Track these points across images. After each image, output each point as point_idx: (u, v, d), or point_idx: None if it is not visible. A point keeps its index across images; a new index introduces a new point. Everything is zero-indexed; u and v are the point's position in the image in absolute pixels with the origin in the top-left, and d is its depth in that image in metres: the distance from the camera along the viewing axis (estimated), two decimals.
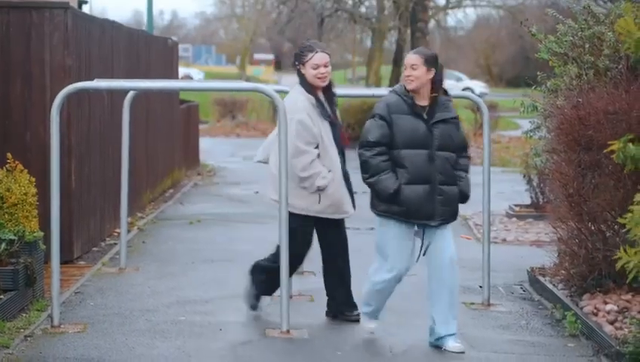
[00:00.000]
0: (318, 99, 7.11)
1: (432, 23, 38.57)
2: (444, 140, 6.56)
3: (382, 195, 6.56)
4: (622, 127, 7.18)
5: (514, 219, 12.72)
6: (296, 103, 7.06)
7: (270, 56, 68.13)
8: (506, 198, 14.25)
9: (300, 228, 7.13)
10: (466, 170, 6.69)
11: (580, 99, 7.72)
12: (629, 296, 7.58)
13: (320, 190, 7.02)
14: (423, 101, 6.61)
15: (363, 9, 34.92)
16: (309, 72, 7.12)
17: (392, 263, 6.69)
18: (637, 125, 7.16)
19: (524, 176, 12.80)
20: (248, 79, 46.85)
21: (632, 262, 5.58)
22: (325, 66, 7.11)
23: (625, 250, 5.68)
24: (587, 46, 8.33)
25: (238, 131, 29.28)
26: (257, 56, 69.50)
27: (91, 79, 9.21)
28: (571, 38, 8.44)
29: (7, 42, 9.32)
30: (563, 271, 8.25)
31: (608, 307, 7.44)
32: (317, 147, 7.04)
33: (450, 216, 6.64)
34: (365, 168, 6.59)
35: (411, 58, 6.61)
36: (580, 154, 7.66)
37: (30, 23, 9.32)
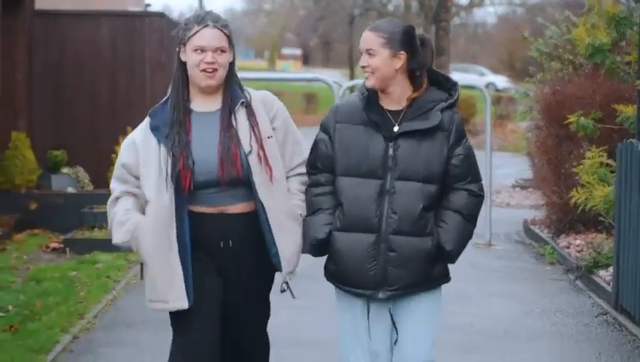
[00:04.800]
0: (183, 109, 4.08)
1: (456, 21, 41.06)
2: (409, 164, 4.04)
3: (308, 246, 4.18)
4: (588, 108, 9.66)
5: (517, 189, 15.28)
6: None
7: (297, 51, 69.73)
8: (514, 176, 16.79)
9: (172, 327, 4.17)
10: (463, 213, 4.12)
11: (559, 88, 10.24)
12: (594, 234, 10.10)
13: (124, 248, 4.17)
14: (394, 104, 4.11)
15: (390, 7, 37.43)
16: (189, 59, 4.05)
17: (343, 357, 4.26)
18: (599, 106, 9.64)
19: (528, 154, 15.29)
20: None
21: (580, 198, 8.11)
22: (219, 51, 4.06)
23: (577, 191, 8.21)
24: (567, 47, 10.84)
25: None
26: (285, 50, 71.15)
27: None
28: (555, 41, 10.96)
29: (115, 43, 11.92)
30: (547, 220, 10.80)
31: (577, 242, 9.97)
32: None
33: (412, 283, 4.09)
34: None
35: (366, 38, 4.09)
36: (557, 129, 10.17)
37: (133, 28, 11.92)
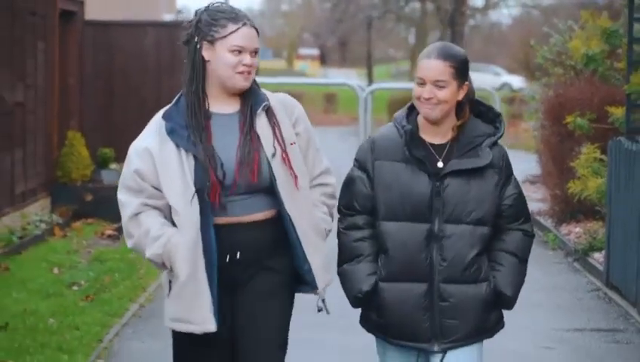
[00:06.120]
0: (204, 112, 3.76)
1: (470, 22, 42.23)
2: (459, 205, 3.74)
3: (348, 297, 3.86)
4: (586, 110, 10.78)
5: (527, 184, 16.40)
6: (149, 126, 3.88)
7: (314, 51, 70.35)
8: (525, 172, 17.92)
9: (175, 350, 3.86)
10: (518, 255, 3.87)
11: (561, 91, 11.37)
12: (592, 223, 11.21)
13: (156, 264, 3.75)
14: (439, 137, 3.80)
15: (407, 10, 38.58)
16: (223, 59, 3.74)
17: None
18: (596, 107, 10.76)
19: (536, 151, 16.37)
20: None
21: (577, 189, 9.25)
22: (253, 54, 3.79)
23: (574, 182, 9.35)
24: (569, 54, 11.97)
25: None
26: (302, 51, 71.73)
27: None
28: (558, 48, 12.09)
29: (158, 50, 13.12)
30: (551, 210, 11.93)
31: (577, 230, 11.10)
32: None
33: (469, 334, 3.81)
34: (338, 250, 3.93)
35: (434, 68, 3.70)
36: (559, 128, 11.30)
37: (174, 36, 13.10)
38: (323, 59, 67.77)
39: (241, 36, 3.72)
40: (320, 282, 3.80)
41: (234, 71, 3.72)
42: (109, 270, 8.95)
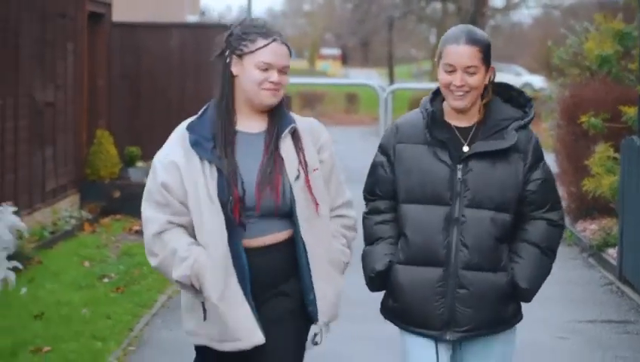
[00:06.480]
0: (231, 128, 3.69)
1: (491, 22, 42.42)
2: (482, 189, 3.65)
3: (365, 279, 3.85)
4: (600, 110, 11.04)
5: None
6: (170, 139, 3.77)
7: (336, 51, 70.35)
8: None
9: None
10: (541, 246, 3.71)
11: (576, 91, 11.64)
12: (607, 220, 11.47)
13: (184, 286, 3.69)
14: (465, 120, 3.73)
15: (428, 11, 38.88)
16: (249, 75, 3.67)
17: None
18: (610, 107, 11.02)
19: (553, 150, 16.63)
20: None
21: (591, 186, 9.52)
22: (282, 72, 3.70)
23: (588, 180, 9.63)
24: (584, 55, 12.23)
25: (319, 120, 33.31)
26: (324, 51, 71.66)
27: None
28: (574, 49, 12.36)
29: (183, 52, 13.47)
30: (567, 208, 12.19)
31: (592, 226, 11.36)
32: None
33: (484, 324, 3.70)
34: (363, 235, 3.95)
35: (465, 54, 3.61)
36: (574, 128, 11.57)
37: (199, 38, 13.47)
38: (345, 59, 67.88)
39: (270, 52, 3.63)
40: (322, 315, 3.70)
41: (259, 87, 3.62)
42: (138, 263, 9.29)
